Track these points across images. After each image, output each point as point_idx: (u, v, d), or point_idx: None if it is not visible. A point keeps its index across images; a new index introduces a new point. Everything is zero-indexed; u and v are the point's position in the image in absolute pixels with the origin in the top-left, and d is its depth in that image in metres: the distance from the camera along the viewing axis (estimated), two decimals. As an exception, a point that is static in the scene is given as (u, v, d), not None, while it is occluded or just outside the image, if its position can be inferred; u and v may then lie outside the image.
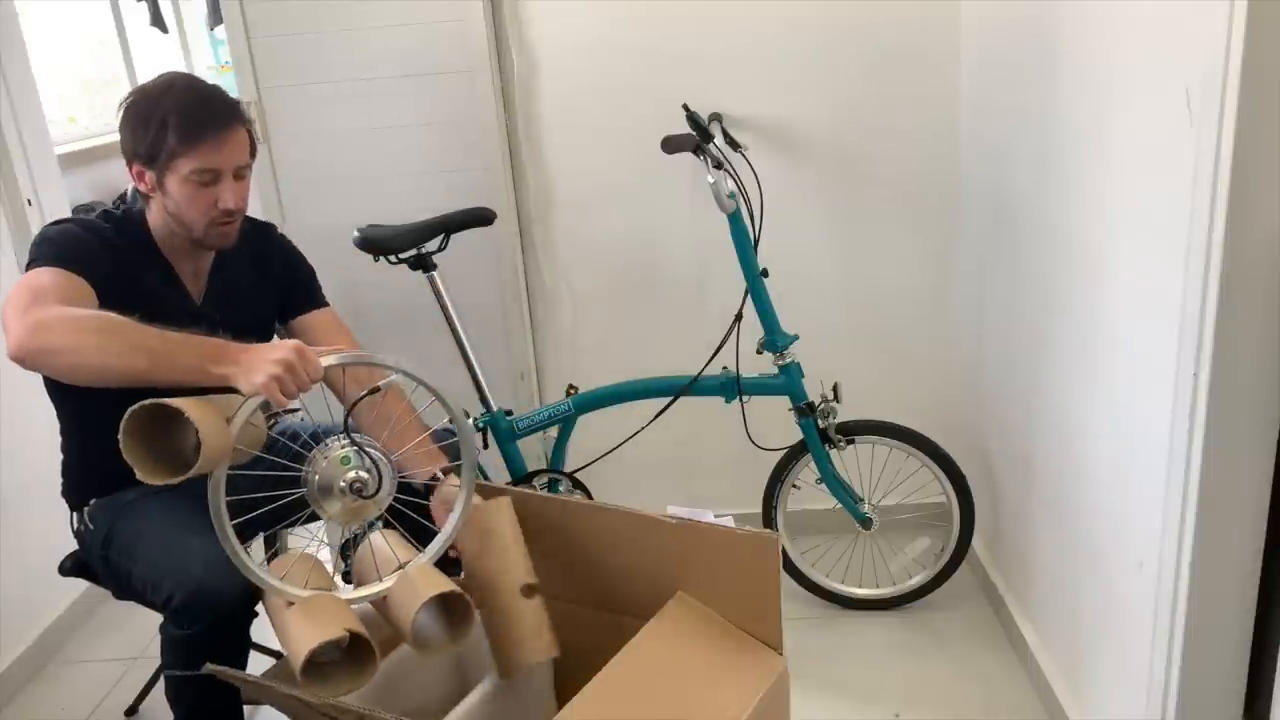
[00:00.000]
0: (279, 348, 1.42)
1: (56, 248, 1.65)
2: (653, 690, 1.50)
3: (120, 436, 1.40)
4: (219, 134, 1.68)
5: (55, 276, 1.59)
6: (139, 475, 1.43)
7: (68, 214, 2.73)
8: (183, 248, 1.79)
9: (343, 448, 1.55)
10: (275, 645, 2.21)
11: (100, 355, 1.44)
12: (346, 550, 2.30)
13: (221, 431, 1.43)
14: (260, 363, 1.40)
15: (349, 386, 1.74)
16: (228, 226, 1.76)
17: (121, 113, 1.72)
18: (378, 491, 1.56)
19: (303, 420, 2.04)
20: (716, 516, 1.71)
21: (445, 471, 1.78)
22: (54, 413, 1.81)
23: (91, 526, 1.80)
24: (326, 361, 1.48)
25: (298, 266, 1.98)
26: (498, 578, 1.65)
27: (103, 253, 1.69)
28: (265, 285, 1.92)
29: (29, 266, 1.64)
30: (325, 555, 2.62)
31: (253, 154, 1.78)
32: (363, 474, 1.54)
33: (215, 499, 1.48)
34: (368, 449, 1.55)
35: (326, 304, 1.99)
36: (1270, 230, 1.26)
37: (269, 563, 2.38)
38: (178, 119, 1.66)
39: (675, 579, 1.70)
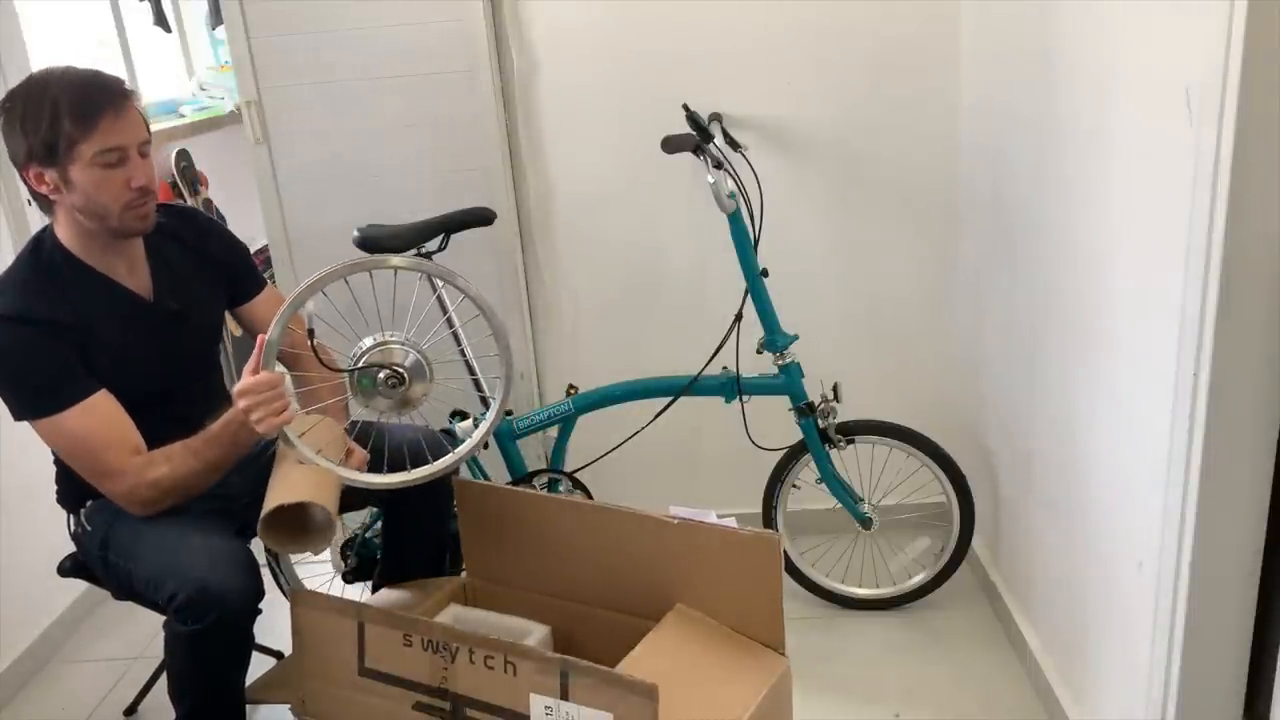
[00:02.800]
0: (237, 397, 1.56)
1: (32, 386, 1.64)
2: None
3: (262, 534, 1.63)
4: (116, 110, 1.62)
5: (83, 422, 1.65)
6: (285, 550, 1.69)
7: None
8: (105, 249, 1.72)
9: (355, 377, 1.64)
10: (275, 645, 2.22)
11: (198, 486, 1.69)
12: (347, 550, 2.31)
13: (321, 483, 1.66)
14: (248, 422, 1.57)
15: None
16: (144, 208, 1.69)
17: (1, 120, 1.64)
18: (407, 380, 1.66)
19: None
20: (720, 517, 1.71)
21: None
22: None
23: (89, 528, 1.80)
24: (267, 358, 1.57)
25: (235, 246, 1.96)
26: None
27: (58, 338, 1.65)
28: (210, 270, 1.89)
29: (13, 399, 1.67)
30: (325, 555, 2.62)
31: (148, 131, 1.72)
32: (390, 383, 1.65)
33: None
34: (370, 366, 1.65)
35: (265, 282, 1.99)
36: (1270, 230, 1.25)
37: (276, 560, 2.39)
38: (70, 103, 1.59)
39: (677, 579, 1.70)
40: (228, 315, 1.99)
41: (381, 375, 1.64)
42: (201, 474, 1.66)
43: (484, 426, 1.80)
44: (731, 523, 1.68)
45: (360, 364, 1.63)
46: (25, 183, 1.67)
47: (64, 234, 1.71)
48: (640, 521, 1.72)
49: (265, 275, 2.05)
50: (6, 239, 2.47)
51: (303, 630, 1.67)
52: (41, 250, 1.72)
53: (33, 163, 1.63)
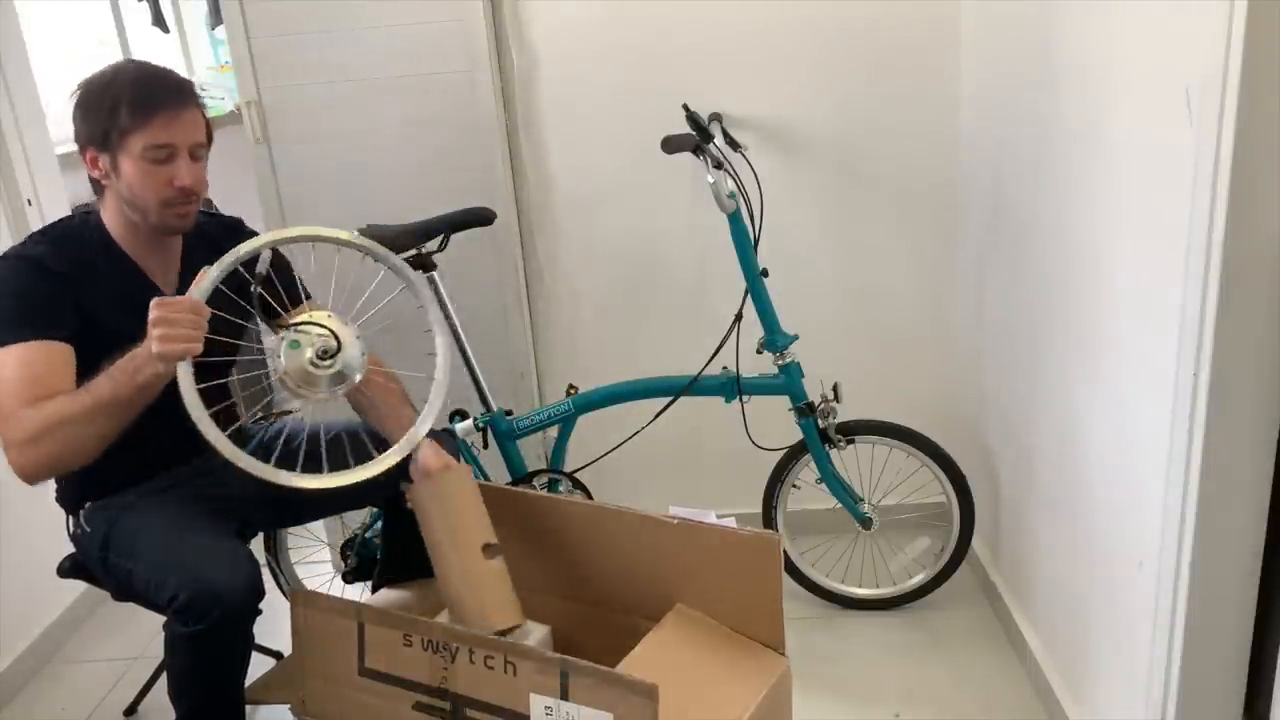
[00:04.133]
0: (150, 321, 1.49)
1: (8, 313, 1.62)
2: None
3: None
4: (172, 109, 1.65)
5: (17, 362, 1.58)
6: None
7: (68, 213, 2.75)
8: (145, 242, 1.76)
9: (282, 340, 1.61)
10: (275, 645, 2.21)
11: (88, 443, 1.56)
12: (347, 550, 2.31)
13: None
14: (148, 342, 1.50)
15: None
16: (185, 208, 1.71)
17: (73, 103, 1.69)
18: (340, 346, 1.63)
19: (300, 420, 2.04)
20: (719, 517, 1.71)
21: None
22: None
23: (88, 529, 1.79)
24: (200, 289, 1.55)
25: (278, 264, 1.90)
26: (457, 537, 1.68)
27: (54, 286, 1.64)
28: (241, 278, 1.84)
29: None
30: (325, 555, 2.62)
31: (209, 140, 1.74)
32: (318, 341, 1.62)
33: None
34: (301, 325, 1.63)
35: (309, 296, 1.97)
36: (1270, 231, 1.26)
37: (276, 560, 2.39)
38: (130, 95, 1.63)
39: (677, 580, 1.70)
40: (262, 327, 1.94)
41: (310, 350, 1.60)
42: (90, 414, 1.53)
43: (424, 418, 1.78)
44: (731, 523, 1.68)
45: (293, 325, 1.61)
46: (83, 160, 1.71)
47: (109, 218, 1.75)
48: (640, 521, 1.72)
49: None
50: (6, 239, 2.47)
51: (303, 630, 1.67)
52: (85, 226, 1.76)
53: (90, 146, 1.67)
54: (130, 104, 1.63)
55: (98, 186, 1.73)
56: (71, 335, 1.64)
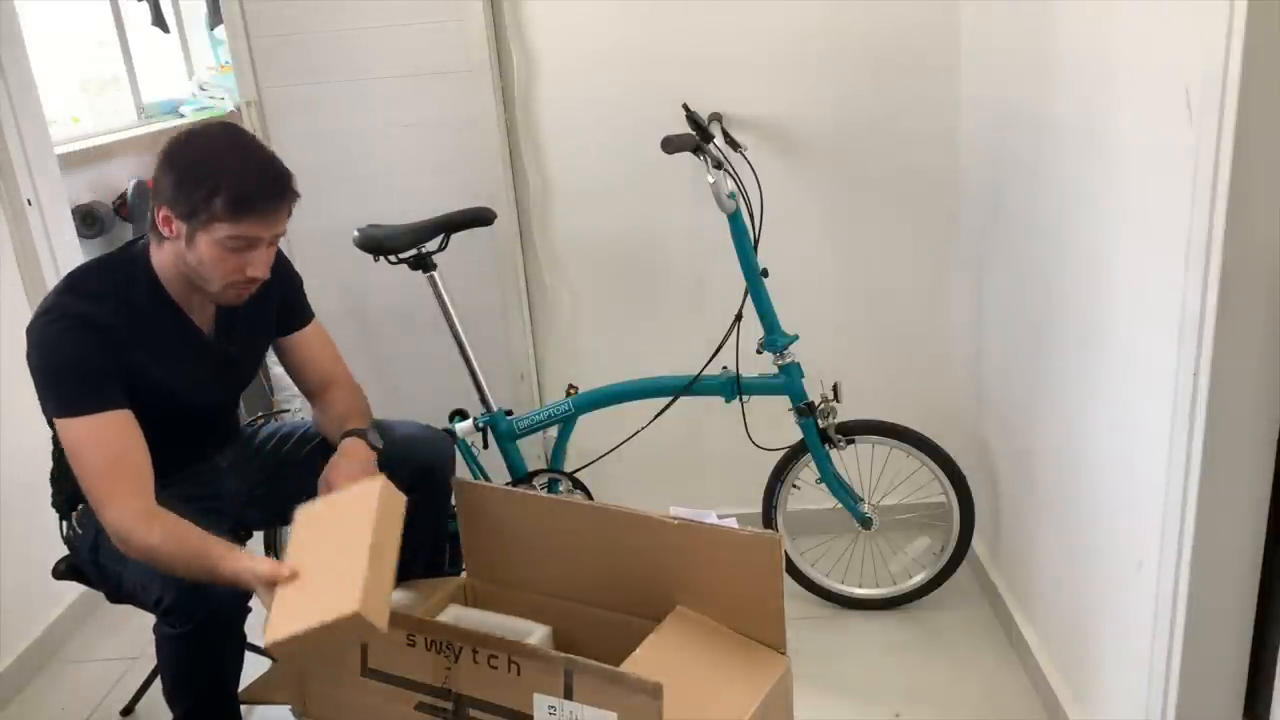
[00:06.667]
0: (265, 583, 1.51)
1: (72, 384, 1.60)
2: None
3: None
4: (270, 211, 1.63)
5: (93, 440, 1.59)
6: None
7: (67, 215, 2.75)
8: (191, 290, 1.73)
9: None
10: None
11: (182, 573, 1.59)
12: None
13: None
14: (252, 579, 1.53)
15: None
16: (246, 290, 1.70)
17: (164, 159, 1.63)
18: None
19: (297, 417, 2.05)
20: (720, 518, 1.71)
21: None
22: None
23: (80, 532, 1.79)
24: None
25: (291, 278, 1.93)
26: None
27: (107, 348, 1.62)
28: (265, 304, 1.86)
29: (49, 392, 1.61)
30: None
31: (286, 220, 1.71)
32: None
33: None
34: None
35: (312, 314, 1.97)
36: (1270, 231, 1.26)
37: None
38: (231, 189, 1.58)
39: (678, 580, 1.70)
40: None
41: None
42: (185, 570, 1.58)
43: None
44: (732, 523, 1.68)
45: None
46: (151, 221, 1.67)
47: (160, 263, 1.70)
48: (640, 522, 1.72)
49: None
50: (7, 239, 2.47)
51: None
52: (134, 265, 1.71)
53: (170, 209, 1.62)
54: (229, 200, 1.58)
55: (157, 234, 1.67)
56: (126, 393, 1.64)
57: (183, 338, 1.75)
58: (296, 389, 2.03)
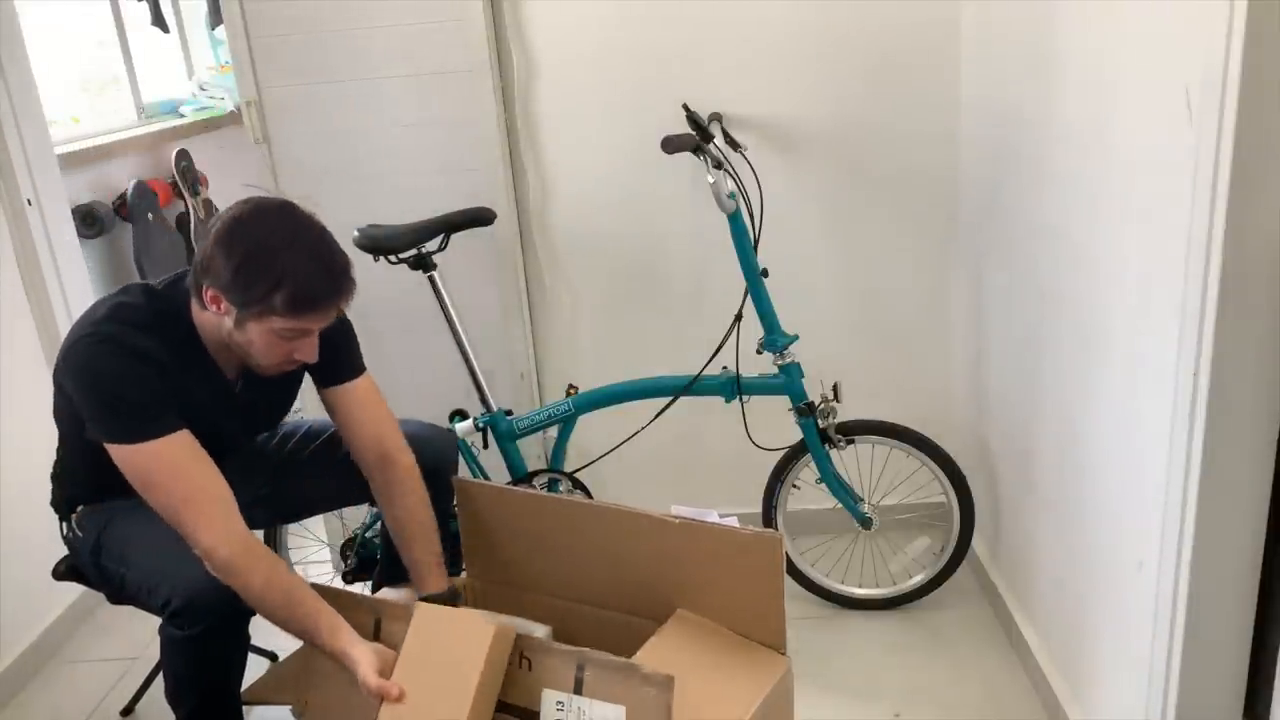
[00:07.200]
0: (374, 692, 1.54)
1: (137, 409, 1.58)
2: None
3: None
4: (329, 307, 1.60)
5: (173, 464, 1.58)
6: None
7: (67, 215, 2.75)
8: (226, 347, 1.69)
9: None
10: (271, 646, 2.21)
11: (275, 622, 1.62)
12: (347, 550, 2.31)
13: None
14: (363, 673, 1.56)
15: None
16: (287, 369, 1.69)
17: (220, 242, 1.57)
18: None
19: (298, 417, 2.05)
20: (722, 516, 1.71)
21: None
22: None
23: (80, 534, 1.79)
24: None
25: (338, 335, 1.78)
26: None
27: (160, 376, 1.61)
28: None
29: (111, 418, 1.59)
30: (325, 555, 2.62)
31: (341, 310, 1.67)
32: None
33: None
34: None
35: (363, 369, 1.86)
36: (1270, 230, 1.26)
37: None
38: (294, 289, 1.54)
39: (679, 579, 1.70)
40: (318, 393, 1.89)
41: None
42: (280, 622, 1.61)
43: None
44: (733, 522, 1.68)
45: None
46: (196, 281, 1.62)
47: (200, 321, 1.68)
48: (642, 521, 1.72)
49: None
50: (7, 239, 2.47)
51: None
52: (178, 320, 1.68)
53: (221, 292, 1.58)
54: (290, 298, 1.55)
55: (201, 302, 1.63)
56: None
57: (211, 384, 1.73)
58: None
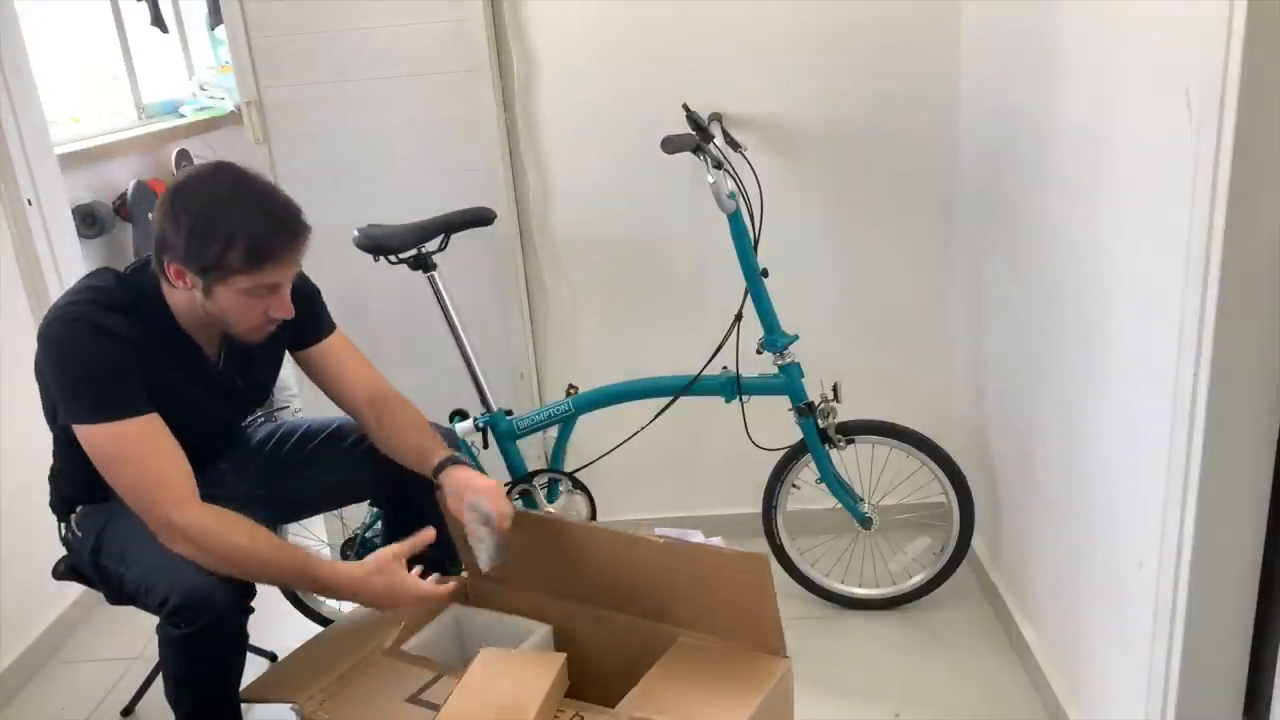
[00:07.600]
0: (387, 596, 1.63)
1: (104, 388, 1.57)
2: (658, 698, 1.51)
3: None
4: (289, 253, 1.59)
5: (142, 444, 1.58)
6: None
7: (67, 215, 2.75)
8: (204, 324, 1.69)
9: None
10: (270, 646, 2.21)
11: (270, 575, 1.65)
12: (347, 550, 2.30)
13: None
14: (374, 598, 1.65)
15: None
16: (271, 328, 1.69)
17: (167, 211, 1.56)
18: None
19: (298, 415, 2.04)
20: (707, 537, 1.71)
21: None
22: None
23: (79, 534, 1.79)
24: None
25: (304, 296, 1.81)
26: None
27: (131, 355, 1.60)
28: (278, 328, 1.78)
29: (76, 397, 1.58)
30: (326, 555, 2.62)
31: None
32: None
33: None
34: None
35: (334, 326, 1.91)
36: (1270, 230, 1.26)
37: None
38: (247, 241, 1.54)
39: (671, 595, 1.68)
40: (289, 355, 1.91)
41: None
42: (271, 572, 1.63)
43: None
44: (718, 542, 1.67)
45: None
46: (157, 260, 1.62)
47: (174, 302, 1.67)
48: (629, 541, 1.71)
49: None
50: (7, 239, 2.47)
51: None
52: (146, 299, 1.67)
53: (179, 264, 1.58)
54: (246, 252, 1.54)
55: (168, 281, 1.63)
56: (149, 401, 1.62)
57: (190, 364, 1.73)
58: (292, 391, 2.01)
